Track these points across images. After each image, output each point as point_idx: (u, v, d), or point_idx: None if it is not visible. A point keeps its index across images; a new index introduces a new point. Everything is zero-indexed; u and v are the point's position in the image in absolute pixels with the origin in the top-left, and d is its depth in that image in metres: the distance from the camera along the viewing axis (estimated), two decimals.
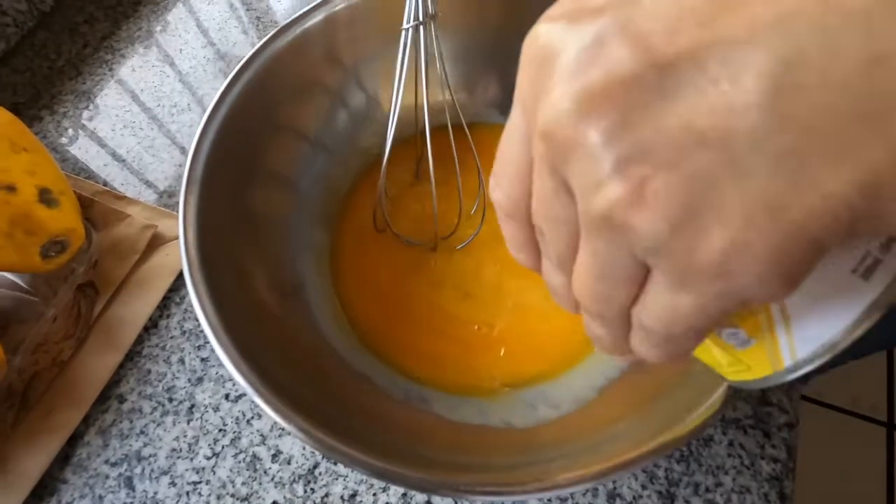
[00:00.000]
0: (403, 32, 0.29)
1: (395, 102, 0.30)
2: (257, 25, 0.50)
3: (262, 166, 0.33)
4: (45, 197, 0.34)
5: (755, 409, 0.32)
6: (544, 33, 0.13)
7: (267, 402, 0.23)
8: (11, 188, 0.32)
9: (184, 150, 0.43)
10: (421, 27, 0.29)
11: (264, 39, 0.32)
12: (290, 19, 0.33)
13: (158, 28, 0.51)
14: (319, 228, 0.36)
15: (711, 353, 0.17)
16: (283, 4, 0.51)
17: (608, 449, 0.23)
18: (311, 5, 0.33)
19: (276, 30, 0.32)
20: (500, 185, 0.15)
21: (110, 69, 0.48)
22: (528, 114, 0.13)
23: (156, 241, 0.39)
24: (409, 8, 0.29)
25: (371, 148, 0.37)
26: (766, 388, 0.19)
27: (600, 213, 0.12)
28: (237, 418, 0.33)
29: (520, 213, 0.15)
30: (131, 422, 0.33)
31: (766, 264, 0.11)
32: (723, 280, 0.11)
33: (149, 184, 0.42)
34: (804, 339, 0.14)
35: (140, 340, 0.36)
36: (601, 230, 0.12)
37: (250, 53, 0.31)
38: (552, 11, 0.13)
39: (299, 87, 0.34)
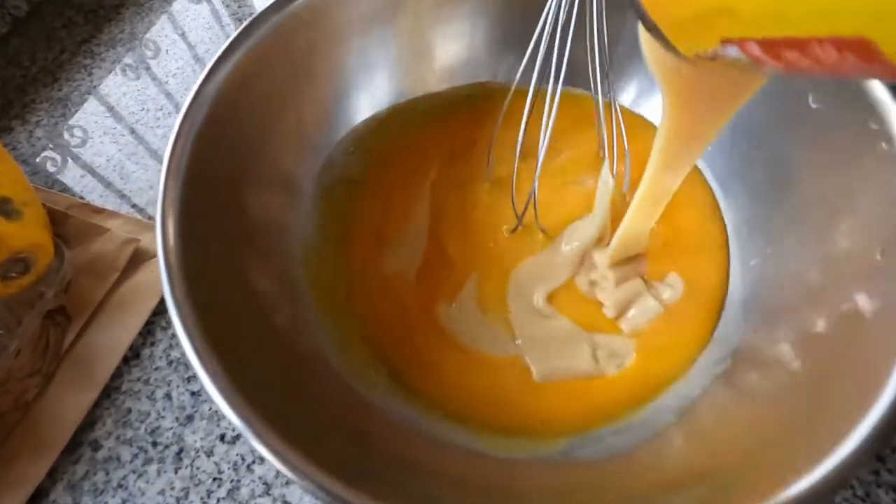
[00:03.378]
0: None
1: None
2: None
3: (255, 167, 0.27)
4: (4, 208, 0.29)
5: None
6: None
7: (268, 445, 0.18)
8: None
9: None
10: None
11: (241, 28, 0.27)
12: (267, 5, 0.28)
13: (141, 31, 0.46)
14: (325, 237, 0.30)
15: None
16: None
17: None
18: None
19: (251, 19, 0.27)
20: None
21: (89, 74, 0.44)
22: None
23: (139, 257, 0.33)
24: None
25: (371, 146, 0.32)
26: None
27: None
28: (235, 464, 0.28)
29: None
30: (107, 473, 0.28)
31: None
32: None
33: (131, 194, 0.37)
34: None
35: (119, 374, 0.30)
36: None
37: (229, 42, 0.26)
38: None
39: (284, 81, 0.28)
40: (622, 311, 0.27)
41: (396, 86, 0.33)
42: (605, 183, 0.28)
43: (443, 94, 0.34)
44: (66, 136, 0.40)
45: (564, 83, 0.26)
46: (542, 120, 0.26)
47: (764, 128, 0.27)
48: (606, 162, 0.29)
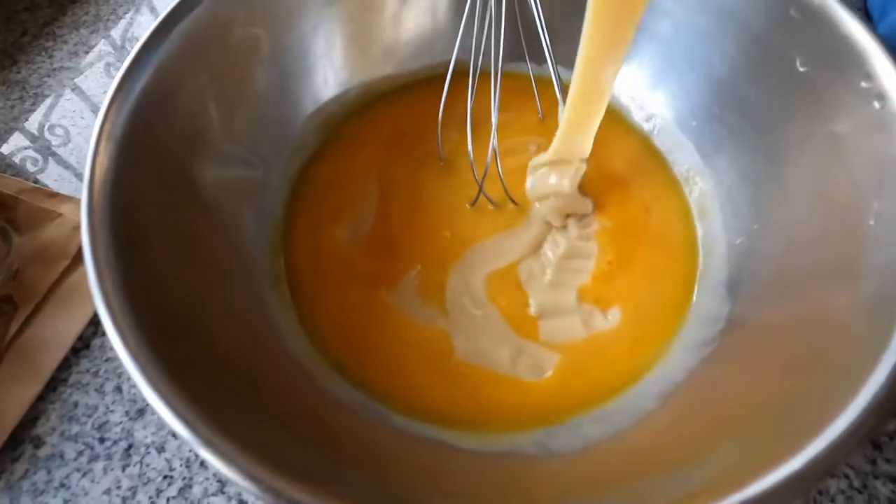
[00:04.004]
0: None
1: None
2: None
3: (206, 141, 0.25)
4: None
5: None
6: None
7: (206, 441, 0.15)
8: None
9: None
10: None
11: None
12: None
13: (107, 12, 0.45)
14: (282, 217, 0.28)
15: None
16: None
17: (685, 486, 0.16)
18: None
19: None
20: None
21: (50, 56, 0.42)
22: None
23: None
24: None
25: (329, 128, 0.31)
26: None
27: None
28: (188, 460, 0.26)
29: None
30: (49, 472, 0.26)
31: None
32: None
33: None
34: None
35: (67, 366, 0.28)
36: None
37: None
38: None
39: (237, 53, 0.26)
40: (543, 314, 0.26)
41: (351, 67, 0.32)
42: None
43: (397, 77, 0.33)
44: (22, 118, 0.38)
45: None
46: (487, 95, 0.26)
47: (752, 97, 0.26)
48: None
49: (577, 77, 0.23)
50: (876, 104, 0.20)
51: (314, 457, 0.19)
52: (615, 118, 0.32)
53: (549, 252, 0.28)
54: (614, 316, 0.26)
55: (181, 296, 0.20)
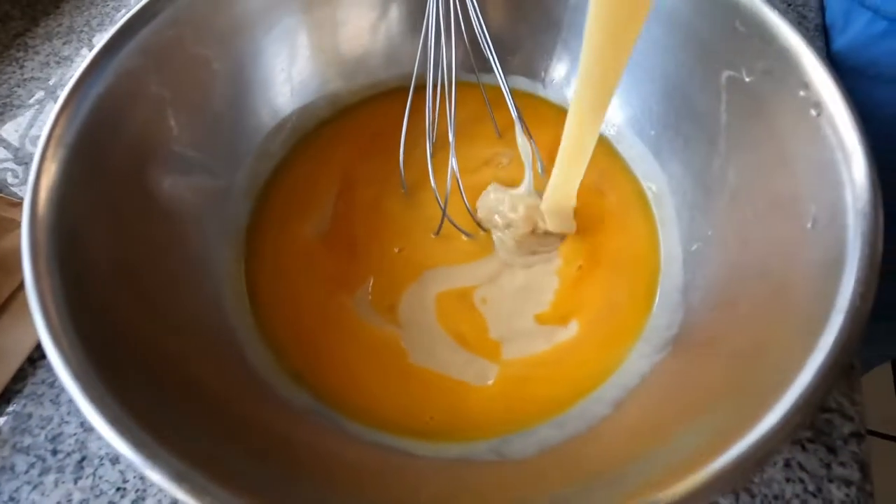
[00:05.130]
0: None
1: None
2: None
3: (163, 148, 0.25)
4: None
5: (812, 417, 0.25)
6: None
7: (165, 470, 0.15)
8: None
9: None
10: None
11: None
12: None
13: (80, 24, 0.45)
14: (239, 231, 0.28)
15: None
16: None
17: (633, 481, 0.16)
18: None
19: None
20: None
21: (21, 66, 0.42)
22: None
23: None
24: None
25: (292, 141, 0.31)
26: None
27: None
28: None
29: None
30: None
31: None
32: None
33: None
34: None
35: (22, 376, 0.28)
36: None
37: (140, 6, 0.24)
38: None
39: (197, 62, 0.26)
40: (504, 339, 0.26)
41: (316, 78, 0.32)
42: (524, 146, 0.28)
43: (364, 89, 0.33)
44: None
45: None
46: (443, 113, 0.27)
47: (704, 106, 0.27)
48: (518, 129, 0.28)
49: (567, 138, 0.24)
50: (813, 112, 0.20)
51: (267, 468, 0.18)
52: None
53: (507, 284, 0.28)
54: (573, 329, 0.26)
55: (127, 305, 0.20)
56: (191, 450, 0.15)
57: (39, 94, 0.40)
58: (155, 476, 0.14)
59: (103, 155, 0.21)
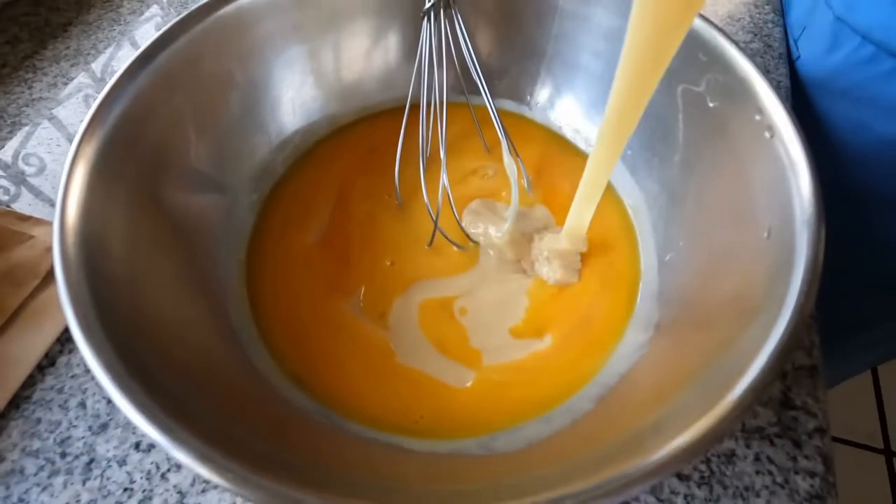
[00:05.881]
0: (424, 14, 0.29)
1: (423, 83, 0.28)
2: None
3: (176, 166, 0.27)
4: None
5: (779, 414, 0.27)
6: None
7: (192, 450, 0.16)
8: None
9: None
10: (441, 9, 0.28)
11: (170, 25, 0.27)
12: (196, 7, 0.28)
13: (87, 47, 0.47)
14: (242, 239, 0.30)
15: None
16: None
17: (613, 463, 0.18)
18: None
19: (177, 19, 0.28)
20: None
21: (29, 87, 0.44)
22: None
23: None
24: None
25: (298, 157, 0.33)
26: None
27: None
28: (149, 473, 0.26)
29: None
30: (7, 488, 0.26)
31: None
32: None
33: None
34: None
35: (31, 383, 0.29)
36: None
37: (160, 34, 0.26)
38: None
39: (209, 84, 0.29)
40: (484, 350, 0.27)
41: (318, 100, 0.34)
42: (510, 165, 0.30)
43: (361, 110, 0.36)
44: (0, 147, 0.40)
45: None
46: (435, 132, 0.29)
47: (676, 129, 0.29)
48: (505, 149, 0.30)
49: (586, 179, 0.26)
50: (767, 134, 0.23)
51: (278, 451, 0.20)
52: (569, 150, 0.35)
53: (487, 296, 0.30)
54: (548, 340, 0.28)
55: (144, 305, 0.22)
56: (211, 434, 0.17)
57: (46, 113, 0.42)
58: (182, 456, 0.16)
59: (124, 170, 0.23)
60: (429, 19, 0.30)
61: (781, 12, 0.46)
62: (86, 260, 0.20)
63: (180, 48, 0.26)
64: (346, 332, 0.28)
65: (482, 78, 0.31)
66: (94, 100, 0.40)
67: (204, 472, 0.15)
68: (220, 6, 0.27)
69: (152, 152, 0.25)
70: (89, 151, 0.22)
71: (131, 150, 0.24)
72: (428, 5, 0.30)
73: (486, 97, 0.31)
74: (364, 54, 0.34)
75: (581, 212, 0.28)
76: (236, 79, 0.29)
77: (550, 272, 0.30)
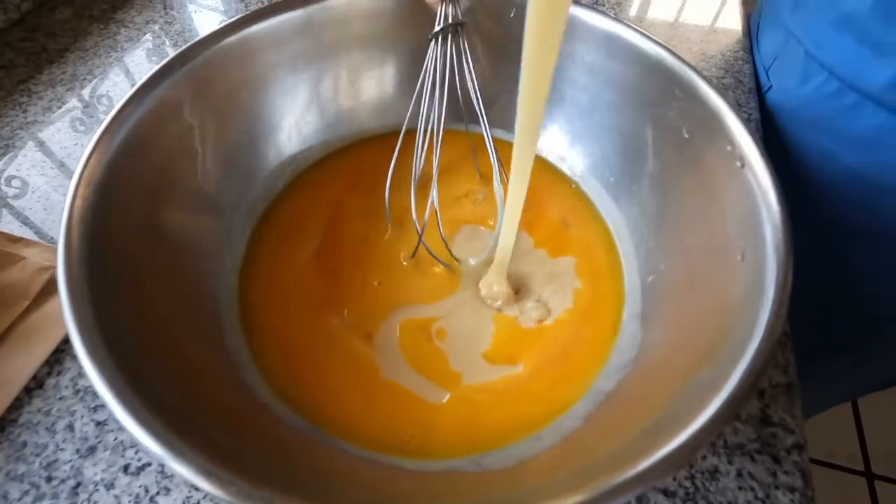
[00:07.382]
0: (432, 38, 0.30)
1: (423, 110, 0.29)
2: None
3: (177, 189, 0.28)
4: None
5: (758, 431, 0.28)
6: None
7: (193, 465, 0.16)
8: None
9: None
10: (449, 34, 0.29)
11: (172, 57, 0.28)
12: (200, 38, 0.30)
13: (83, 72, 0.48)
14: (236, 260, 0.31)
15: None
16: None
17: (600, 475, 0.19)
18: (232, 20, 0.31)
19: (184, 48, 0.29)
20: None
21: (24, 111, 0.44)
22: None
23: (54, 285, 0.32)
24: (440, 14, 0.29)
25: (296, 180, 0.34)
26: None
27: None
28: (137, 496, 0.26)
29: None
30: None
31: None
32: None
33: (55, 225, 0.37)
34: None
35: (18, 406, 0.29)
36: None
37: (160, 66, 0.27)
38: None
39: (210, 109, 0.30)
40: (465, 373, 0.28)
41: (316, 125, 0.36)
42: (500, 192, 0.30)
43: (356, 135, 0.37)
44: None
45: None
46: (429, 156, 0.30)
47: (655, 158, 0.31)
48: (496, 171, 0.31)
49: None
50: (738, 164, 0.24)
51: (276, 466, 0.20)
52: (556, 177, 0.36)
53: (458, 323, 0.30)
54: (528, 365, 0.29)
55: (143, 324, 0.22)
56: (211, 449, 0.17)
57: (33, 137, 0.42)
58: (183, 470, 0.16)
59: (126, 192, 0.24)
60: (436, 42, 0.31)
61: (750, 50, 0.49)
62: (88, 280, 0.20)
63: (184, 76, 0.27)
64: (335, 350, 0.28)
65: (482, 104, 0.32)
66: (83, 124, 0.41)
67: (207, 486, 0.15)
68: (223, 36, 0.29)
69: (154, 177, 0.26)
70: (92, 176, 0.23)
71: (134, 175, 0.25)
72: (437, 28, 0.31)
73: (483, 123, 0.32)
74: (362, 83, 0.36)
75: (507, 238, 0.28)
76: (240, 105, 0.30)
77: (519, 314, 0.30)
